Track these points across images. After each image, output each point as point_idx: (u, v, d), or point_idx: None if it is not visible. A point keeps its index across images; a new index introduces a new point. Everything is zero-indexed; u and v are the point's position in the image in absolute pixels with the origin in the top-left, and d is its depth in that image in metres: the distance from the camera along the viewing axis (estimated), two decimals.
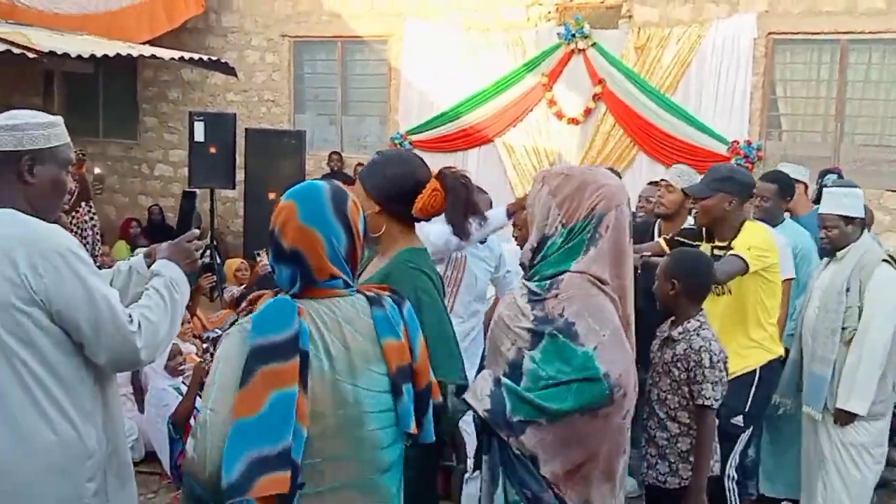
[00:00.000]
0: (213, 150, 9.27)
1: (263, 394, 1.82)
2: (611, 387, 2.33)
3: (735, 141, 9.05)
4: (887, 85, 8.92)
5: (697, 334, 3.24)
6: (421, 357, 2.08)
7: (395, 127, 10.73)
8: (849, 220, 4.10)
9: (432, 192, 2.59)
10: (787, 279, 4.43)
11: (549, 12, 9.96)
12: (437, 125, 10.40)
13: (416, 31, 10.50)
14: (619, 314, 2.46)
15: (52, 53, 5.83)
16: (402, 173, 2.64)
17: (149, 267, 2.56)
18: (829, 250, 4.21)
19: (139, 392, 5.48)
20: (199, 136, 9.27)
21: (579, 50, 9.64)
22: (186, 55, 7.15)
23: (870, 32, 8.68)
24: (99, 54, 6.15)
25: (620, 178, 4.55)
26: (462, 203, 2.62)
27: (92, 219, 7.36)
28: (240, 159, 9.62)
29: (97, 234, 7.51)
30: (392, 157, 2.78)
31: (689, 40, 9.23)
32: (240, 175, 9.68)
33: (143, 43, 9.55)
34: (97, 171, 7.32)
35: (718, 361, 3.20)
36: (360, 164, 10.61)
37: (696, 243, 4.14)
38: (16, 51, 5.59)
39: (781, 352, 4.13)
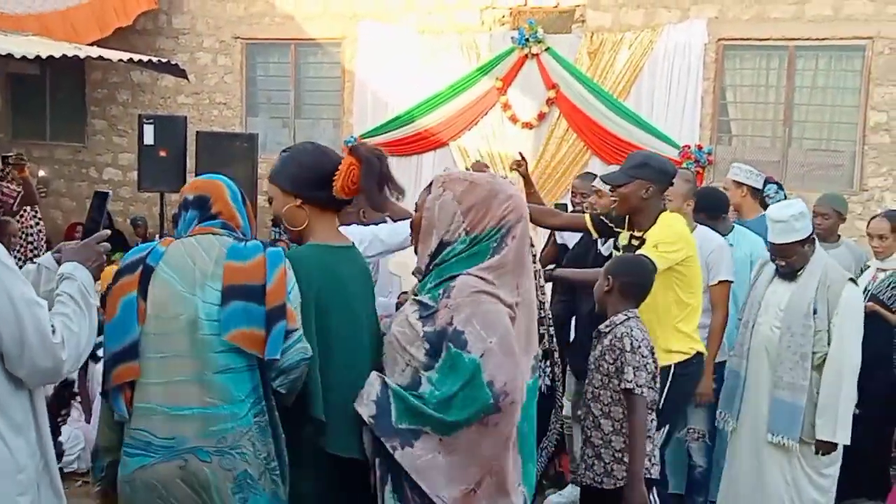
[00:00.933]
0: (163, 153, 9.14)
1: (116, 301, 2.37)
2: (496, 395, 2.28)
3: (686, 145, 9.15)
4: (834, 91, 9.10)
5: (622, 324, 3.34)
6: (275, 282, 2.38)
7: (349, 130, 10.66)
8: (804, 241, 4.03)
9: (349, 168, 2.59)
10: (723, 281, 4.39)
11: (503, 16, 9.98)
12: (391, 128, 10.35)
13: (370, 34, 10.44)
14: (516, 323, 2.43)
15: None
16: (318, 159, 2.66)
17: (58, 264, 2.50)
18: (790, 274, 4.09)
19: (86, 400, 5.37)
20: (149, 139, 9.13)
21: (533, 54, 9.67)
22: (135, 56, 7.02)
23: (817, 39, 8.85)
24: (44, 55, 6.01)
25: None
26: (376, 173, 2.62)
27: (38, 223, 7.20)
28: (191, 162, 9.48)
29: (42, 238, 7.35)
30: (302, 148, 2.78)
31: (642, 45, 9.31)
32: (191, 178, 9.54)
33: (92, 43, 9.38)
34: (42, 173, 7.18)
35: (640, 346, 3.27)
36: None
37: (618, 229, 4.11)
38: None
39: (701, 349, 4.08)
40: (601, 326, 3.42)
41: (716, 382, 4.49)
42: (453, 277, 2.42)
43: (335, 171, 2.59)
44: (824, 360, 3.96)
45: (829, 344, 3.96)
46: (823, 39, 8.82)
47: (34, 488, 2.30)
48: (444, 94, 10.09)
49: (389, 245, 3.63)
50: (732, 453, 4.35)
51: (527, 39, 9.63)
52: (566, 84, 9.58)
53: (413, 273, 3.57)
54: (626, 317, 3.36)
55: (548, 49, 9.62)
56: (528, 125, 9.81)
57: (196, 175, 9.45)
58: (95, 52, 7.09)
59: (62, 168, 12.06)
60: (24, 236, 6.99)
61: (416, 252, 2.61)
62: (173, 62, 9.47)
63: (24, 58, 5.89)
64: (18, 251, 6.95)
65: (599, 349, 3.39)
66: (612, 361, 3.30)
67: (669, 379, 3.86)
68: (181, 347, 2.35)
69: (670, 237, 3.84)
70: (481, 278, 2.41)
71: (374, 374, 2.47)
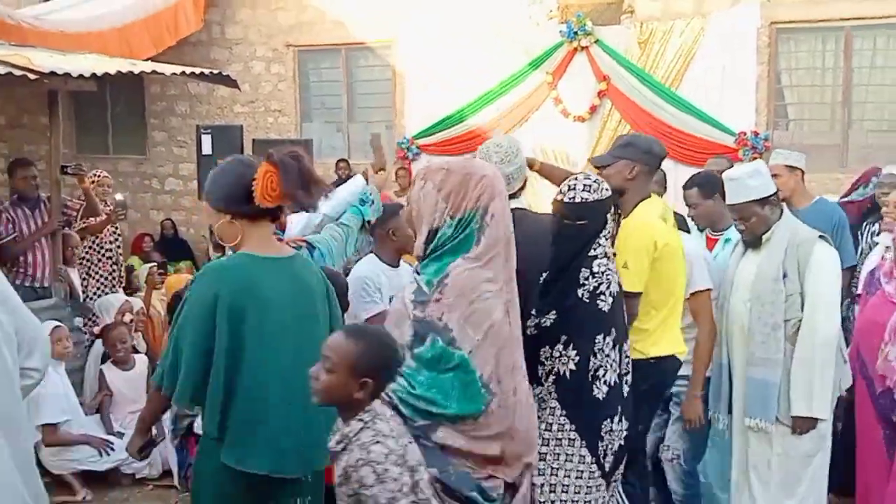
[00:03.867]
0: (221, 161, 9.31)
1: None
2: (485, 383, 2.51)
3: (742, 132, 8.99)
4: (893, 70, 8.85)
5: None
6: None
7: (402, 132, 10.74)
8: (763, 201, 3.70)
9: (265, 175, 2.62)
10: (700, 291, 3.89)
11: (551, 10, 9.94)
12: (443, 128, 10.40)
13: (418, 34, 10.50)
14: (507, 303, 2.61)
15: (52, 74, 5.87)
16: (240, 173, 2.71)
17: None
18: (752, 241, 3.77)
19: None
20: (207, 148, 9.29)
21: (582, 47, 9.62)
22: (188, 69, 7.17)
23: (873, 18, 8.62)
24: (100, 73, 6.18)
25: None
26: (295, 175, 2.64)
27: (116, 239, 7.37)
28: None
29: (119, 254, 7.53)
30: (222, 165, 2.83)
31: (693, 33, 9.18)
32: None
33: (147, 59, 9.61)
34: (119, 197, 7.37)
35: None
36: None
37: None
38: (16, 73, 5.62)
39: (662, 353, 3.61)
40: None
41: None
42: (446, 270, 2.57)
43: (255, 181, 2.64)
44: (797, 331, 3.59)
45: (802, 310, 3.58)
46: (881, 18, 8.59)
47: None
48: (494, 91, 10.09)
49: (342, 199, 3.68)
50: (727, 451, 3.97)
51: (575, 32, 9.58)
52: (617, 75, 9.50)
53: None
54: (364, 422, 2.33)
55: (597, 41, 9.56)
56: (580, 118, 9.76)
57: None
58: (149, 66, 7.26)
59: (126, 180, 12.38)
60: (102, 252, 7.17)
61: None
62: (227, 73, 9.64)
63: (80, 76, 6.06)
64: (96, 265, 7.14)
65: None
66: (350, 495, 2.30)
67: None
68: None
69: (638, 243, 3.51)
70: (472, 268, 2.56)
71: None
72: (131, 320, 6.12)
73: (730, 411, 3.87)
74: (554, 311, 3.15)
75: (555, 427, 3.13)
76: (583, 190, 3.23)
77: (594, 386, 3.10)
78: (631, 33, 9.49)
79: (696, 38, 9.18)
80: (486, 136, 10.15)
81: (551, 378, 3.15)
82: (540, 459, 3.00)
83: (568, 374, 3.12)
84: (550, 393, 3.15)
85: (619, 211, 3.53)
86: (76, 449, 5.31)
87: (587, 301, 3.13)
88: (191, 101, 11.97)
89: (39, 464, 4.21)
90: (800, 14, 8.88)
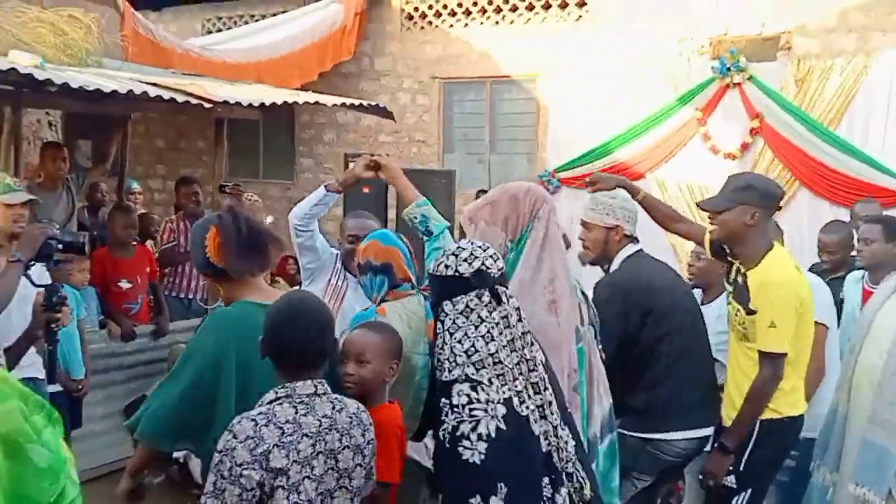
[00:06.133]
0: (366, 189, 9.54)
1: None
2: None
3: None
4: None
5: None
6: None
7: (543, 165, 10.72)
8: None
9: (213, 239, 2.63)
10: (819, 323, 3.70)
11: (703, 46, 9.78)
12: (586, 162, 10.30)
13: (564, 68, 10.49)
14: (554, 298, 2.69)
15: (225, 102, 6.19)
16: (196, 239, 2.72)
17: None
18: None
19: None
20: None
21: (735, 83, 9.38)
22: (347, 101, 7.46)
23: None
24: (268, 102, 6.50)
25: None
26: (233, 241, 2.61)
27: None
28: (392, 199, 9.85)
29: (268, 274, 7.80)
30: (198, 225, 2.81)
31: (854, 71, 8.82)
32: (392, 213, 9.90)
33: (299, 88, 10.00)
34: (269, 219, 7.69)
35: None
36: None
37: (731, 258, 3.65)
38: (193, 101, 5.96)
39: (795, 412, 3.43)
40: None
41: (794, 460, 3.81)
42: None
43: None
44: None
45: None
46: None
47: None
48: (641, 125, 9.95)
49: (299, 215, 3.99)
50: None
51: (728, 68, 9.35)
52: (771, 113, 9.21)
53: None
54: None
55: (751, 77, 9.30)
56: (730, 156, 9.50)
57: (397, 211, 9.82)
58: (312, 97, 7.57)
59: (273, 204, 12.83)
60: None
61: None
62: (377, 103, 9.93)
63: (251, 105, 6.37)
64: None
65: None
66: None
67: (754, 437, 3.40)
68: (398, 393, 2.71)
69: (788, 304, 3.27)
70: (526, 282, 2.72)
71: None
72: None
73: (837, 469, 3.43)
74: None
75: None
76: (462, 260, 2.46)
77: None
78: (787, 70, 9.20)
79: (858, 76, 8.81)
80: (632, 171, 10.08)
81: None
82: None
83: None
84: None
85: (739, 263, 3.42)
86: None
87: (448, 446, 2.36)
88: (338, 130, 12.33)
89: None
90: None
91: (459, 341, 2.33)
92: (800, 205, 9.00)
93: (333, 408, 2.30)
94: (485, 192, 10.86)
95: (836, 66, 8.91)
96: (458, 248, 2.46)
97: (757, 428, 3.40)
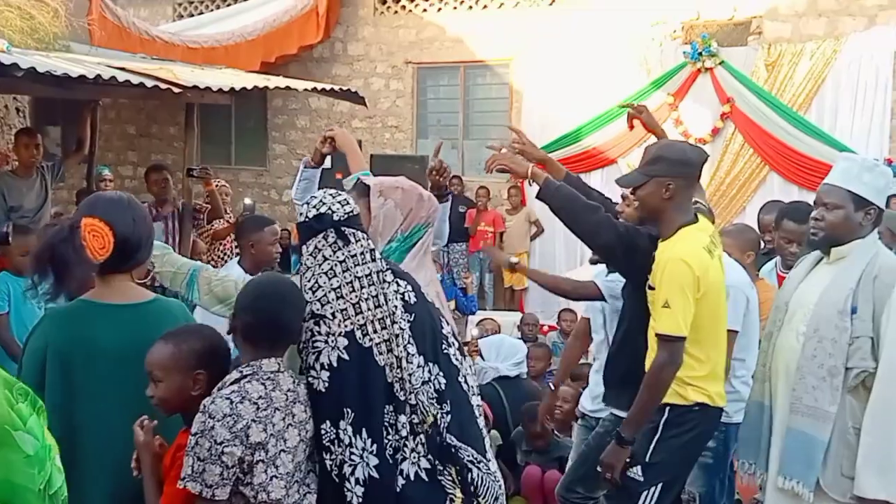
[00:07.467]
0: (339, 175, 9.49)
1: None
2: None
3: (874, 160, 8.62)
4: None
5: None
6: None
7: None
8: (862, 204, 2.93)
9: (90, 234, 2.36)
10: (731, 330, 3.43)
11: (675, 31, 9.81)
12: (559, 146, 10.32)
13: (537, 54, 10.50)
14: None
15: (195, 87, 6.13)
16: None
17: None
18: (819, 241, 3.03)
19: None
20: (327, 162, 9.50)
21: (706, 68, 9.44)
22: (318, 85, 7.41)
23: None
24: (238, 87, 6.44)
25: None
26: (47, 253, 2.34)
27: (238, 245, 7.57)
28: None
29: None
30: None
31: (824, 56, 8.91)
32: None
33: (271, 71, 9.96)
34: (247, 201, 7.64)
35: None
36: (482, 188, 10.69)
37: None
38: (163, 86, 5.90)
39: (711, 403, 3.18)
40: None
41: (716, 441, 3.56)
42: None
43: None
44: (864, 383, 2.83)
45: (874, 360, 2.80)
46: None
47: None
48: (614, 111, 9.98)
49: (295, 193, 3.91)
50: None
51: (700, 53, 9.41)
52: (742, 98, 9.29)
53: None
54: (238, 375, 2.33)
55: (722, 62, 9.37)
56: (701, 140, 9.55)
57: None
58: (283, 82, 7.51)
59: (246, 191, 12.77)
60: (225, 258, 7.38)
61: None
62: (350, 88, 9.88)
63: (220, 90, 6.32)
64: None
65: None
66: None
67: (661, 425, 3.17)
68: None
69: (673, 282, 3.04)
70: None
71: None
72: None
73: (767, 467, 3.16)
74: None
75: None
76: (312, 207, 2.50)
77: (345, 489, 2.35)
78: (758, 55, 9.28)
79: (827, 61, 8.91)
80: (604, 156, 10.13)
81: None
82: None
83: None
84: None
85: (658, 238, 3.17)
86: None
87: (305, 379, 2.46)
88: (311, 115, 12.27)
89: None
90: None
91: (308, 280, 2.47)
92: (770, 188, 9.09)
93: (294, 381, 2.38)
94: (458, 178, 10.91)
95: (805, 50, 9.00)
96: (311, 197, 2.57)
97: (665, 416, 3.16)
